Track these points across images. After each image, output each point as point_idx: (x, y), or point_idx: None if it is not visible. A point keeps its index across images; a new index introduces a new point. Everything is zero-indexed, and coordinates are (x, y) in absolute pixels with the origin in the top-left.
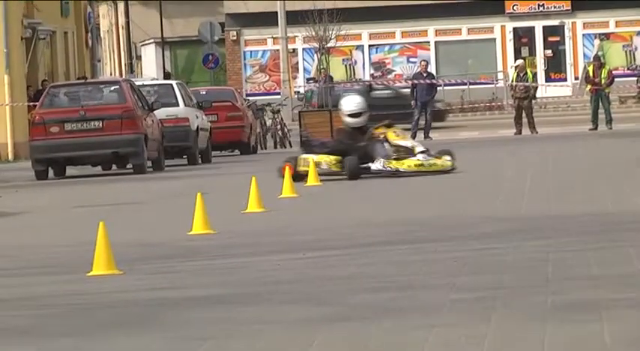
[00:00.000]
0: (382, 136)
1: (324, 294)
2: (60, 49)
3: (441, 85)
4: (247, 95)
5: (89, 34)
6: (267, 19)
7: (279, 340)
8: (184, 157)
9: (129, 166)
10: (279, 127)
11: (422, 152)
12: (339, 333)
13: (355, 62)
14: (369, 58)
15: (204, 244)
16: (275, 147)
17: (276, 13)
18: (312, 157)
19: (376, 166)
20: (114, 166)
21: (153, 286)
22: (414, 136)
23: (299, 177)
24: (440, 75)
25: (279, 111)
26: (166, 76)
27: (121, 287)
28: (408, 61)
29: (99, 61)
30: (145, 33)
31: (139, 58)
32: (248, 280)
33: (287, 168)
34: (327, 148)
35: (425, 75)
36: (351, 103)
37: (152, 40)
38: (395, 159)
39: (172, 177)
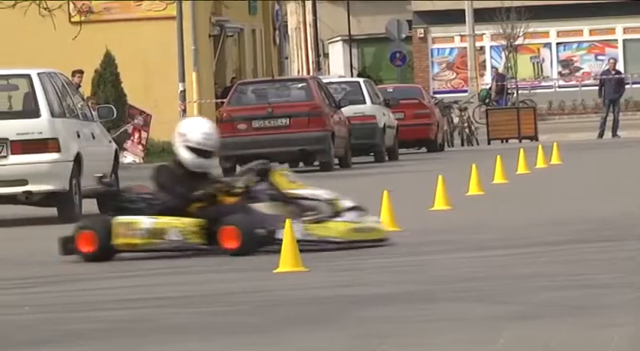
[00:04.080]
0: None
1: (508, 292)
2: (247, 46)
3: (629, 83)
4: (434, 93)
5: (277, 32)
6: (454, 17)
7: (463, 338)
8: (371, 154)
9: (316, 163)
10: (465, 124)
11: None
12: (523, 331)
13: (543, 60)
14: (557, 56)
15: (390, 242)
16: (462, 144)
17: (464, 10)
18: (139, 220)
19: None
20: (301, 164)
21: (336, 283)
22: (601, 135)
23: (112, 251)
24: (628, 73)
25: (466, 108)
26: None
27: (305, 284)
28: (596, 59)
29: (286, 58)
30: (332, 30)
31: (326, 55)
32: (432, 278)
33: (80, 240)
34: (156, 204)
35: (613, 73)
36: (199, 129)
37: (339, 38)
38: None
39: (359, 174)
